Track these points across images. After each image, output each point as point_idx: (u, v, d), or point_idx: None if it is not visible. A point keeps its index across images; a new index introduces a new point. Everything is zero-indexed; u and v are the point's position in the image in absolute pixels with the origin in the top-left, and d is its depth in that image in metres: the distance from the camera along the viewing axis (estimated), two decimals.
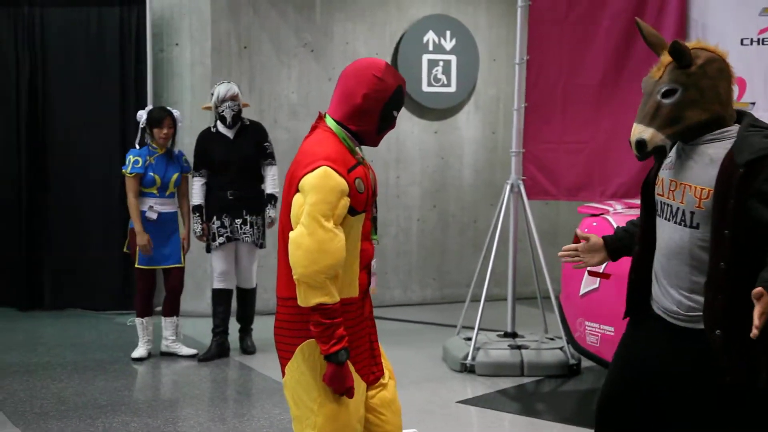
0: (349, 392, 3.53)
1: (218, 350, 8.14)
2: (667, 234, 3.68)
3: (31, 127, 10.10)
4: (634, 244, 3.96)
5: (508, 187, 8.06)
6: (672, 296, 3.66)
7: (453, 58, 10.86)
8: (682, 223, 3.61)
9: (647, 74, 3.73)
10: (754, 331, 3.15)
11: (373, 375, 3.78)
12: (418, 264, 10.95)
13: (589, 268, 6.54)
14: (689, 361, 3.56)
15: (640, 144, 3.60)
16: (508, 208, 8.04)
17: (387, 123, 3.69)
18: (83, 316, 9.91)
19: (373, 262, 3.76)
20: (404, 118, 10.61)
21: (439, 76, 10.82)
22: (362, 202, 3.57)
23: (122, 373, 7.68)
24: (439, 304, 10.79)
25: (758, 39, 7.37)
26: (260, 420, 6.43)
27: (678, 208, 3.63)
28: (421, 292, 10.97)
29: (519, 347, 7.91)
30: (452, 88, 10.90)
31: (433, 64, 10.77)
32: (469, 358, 7.77)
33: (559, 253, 4.12)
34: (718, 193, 3.49)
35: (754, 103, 7.27)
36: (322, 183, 3.42)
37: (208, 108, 8.21)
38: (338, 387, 3.49)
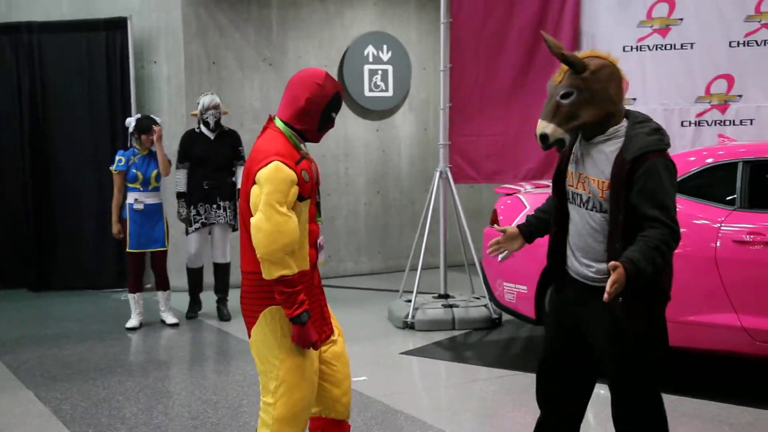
0: (315, 346, 3.60)
1: (196, 307, 8.49)
2: (580, 218, 3.76)
3: (33, 135, 10.02)
4: (543, 227, 4.04)
5: (437, 174, 8.15)
6: (586, 265, 3.74)
7: (390, 68, 10.89)
8: (594, 209, 3.70)
9: (551, 78, 3.78)
10: (606, 297, 3.33)
11: (325, 334, 3.82)
12: (365, 240, 11.01)
13: (495, 225, 6.67)
14: (600, 309, 3.62)
15: (543, 137, 3.66)
16: (438, 192, 8.13)
17: (326, 123, 3.72)
18: (85, 295, 9.84)
19: (320, 239, 3.78)
20: (350, 118, 10.69)
21: (379, 83, 10.85)
22: (308, 190, 3.61)
23: (118, 341, 7.69)
24: (384, 273, 10.83)
25: (637, 46, 7.53)
26: (236, 375, 6.47)
27: (587, 198, 3.72)
28: (368, 263, 11.02)
29: (450, 306, 8.01)
30: (390, 93, 10.93)
31: (373, 73, 10.80)
32: (410, 316, 7.86)
33: (488, 251, 4.11)
34: (613, 185, 3.58)
35: (635, 99, 7.43)
36: (275, 175, 3.47)
37: (195, 114, 8.28)
38: (304, 343, 3.55)
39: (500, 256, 4.12)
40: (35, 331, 8.16)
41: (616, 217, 3.60)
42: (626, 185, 3.55)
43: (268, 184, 3.47)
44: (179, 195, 8.13)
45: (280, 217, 3.45)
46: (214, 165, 8.14)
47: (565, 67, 3.67)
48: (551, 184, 3.99)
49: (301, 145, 3.71)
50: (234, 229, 8.24)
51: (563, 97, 3.64)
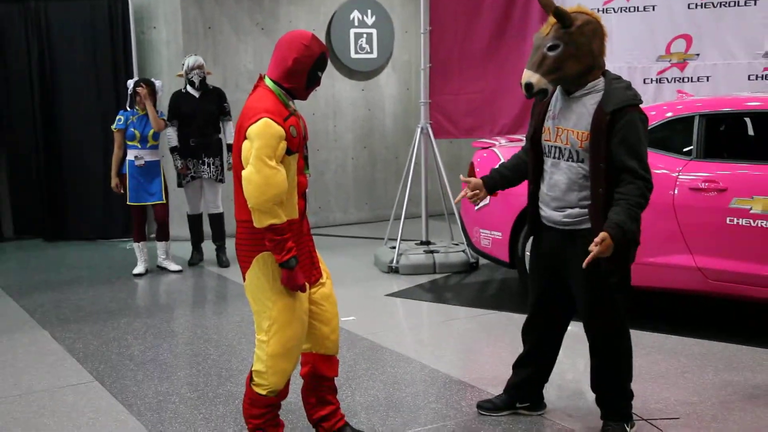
0: (302, 288, 3.61)
1: (198, 256, 8.51)
2: (557, 169, 3.80)
3: (43, 97, 9.94)
4: (505, 181, 4.13)
5: (419, 130, 8.13)
6: (561, 212, 3.81)
7: (374, 31, 10.79)
8: (570, 159, 3.74)
9: (538, 31, 3.79)
10: (584, 265, 3.51)
11: (314, 277, 3.83)
12: (353, 192, 11.00)
13: (464, 177, 6.69)
14: (576, 255, 3.73)
15: (528, 86, 3.68)
16: (420, 146, 8.11)
17: (312, 81, 3.69)
18: (95, 244, 9.84)
19: (307, 191, 3.79)
20: (338, 79, 10.64)
21: (364, 45, 10.76)
22: (295, 144, 3.59)
23: (126, 286, 7.70)
24: (370, 223, 10.84)
25: (603, 8, 7.50)
26: (234, 316, 6.50)
27: (565, 149, 3.76)
28: (356, 213, 11.03)
29: (431, 252, 8.02)
30: (374, 55, 10.84)
31: (358, 36, 10.71)
32: (394, 261, 7.87)
33: (455, 200, 4.24)
34: (594, 135, 3.64)
35: None
36: (264, 131, 3.46)
37: (181, 75, 8.25)
38: (293, 285, 3.56)
39: (460, 197, 4.18)
40: (50, 277, 8.16)
41: (596, 165, 3.66)
42: (606, 136, 3.61)
43: (258, 140, 3.46)
44: (172, 150, 8.11)
45: (269, 170, 3.45)
46: (200, 122, 8.12)
47: (552, 20, 3.68)
48: (529, 141, 4.01)
49: (290, 103, 3.68)
50: (221, 182, 8.27)
51: (550, 49, 3.66)
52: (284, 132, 3.51)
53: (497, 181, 4.14)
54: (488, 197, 4.39)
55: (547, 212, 3.90)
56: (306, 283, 3.66)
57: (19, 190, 10.23)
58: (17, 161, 10.17)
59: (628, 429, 3.93)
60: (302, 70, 3.63)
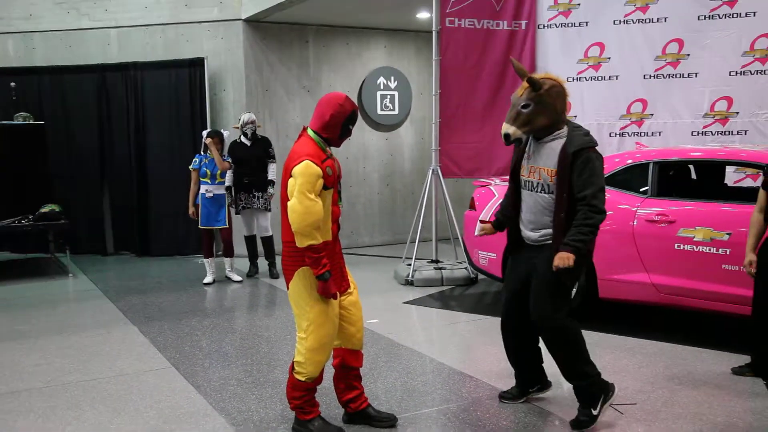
0: (334, 296, 3.62)
1: (254, 269, 8.48)
2: (532, 199, 3.84)
3: (138, 143, 10.01)
4: (506, 221, 4.10)
5: (430, 171, 8.09)
6: (534, 232, 3.86)
7: (396, 93, 10.82)
8: (543, 192, 3.79)
9: (514, 92, 3.87)
10: (554, 267, 3.65)
11: (343, 287, 3.83)
12: (378, 220, 10.97)
13: (480, 218, 6.67)
14: (543, 253, 3.80)
15: (507, 136, 3.78)
16: (431, 184, 8.06)
17: (345, 133, 3.71)
18: (174, 259, 9.87)
19: (340, 219, 3.82)
20: (367, 130, 10.65)
21: (388, 104, 10.79)
22: (331, 181, 3.61)
23: (197, 292, 7.72)
24: (392, 245, 10.78)
25: (577, 77, 7.50)
26: (281, 318, 6.49)
27: (538, 183, 3.80)
28: (380, 237, 11.00)
29: (440, 268, 7.97)
30: (396, 112, 10.86)
31: (383, 97, 10.73)
32: (410, 276, 7.83)
33: (476, 234, 4.24)
34: (559, 171, 3.69)
35: (576, 116, 7.39)
36: (305, 170, 3.49)
37: (237, 128, 8.35)
38: (327, 294, 3.57)
39: (476, 233, 4.23)
40: (139, 284, 8.19)
41: (561, 195, 3.71)
42: (569, 171, 3.66)
43: (301, 177, 3.49)
44: (227, 188, 8.07)
45: (309, 201, 3.48)
46: (252, 164, 8.19)
47: (525, 84, 3.76)
48: (509, 176, 4.06)
49: (327, 149, 3.70)
50: (269, 210, 8.29)
51: (523, 107, 3.74)
52: (321, 171, 3.53)
53: (502, 222, 4.16)
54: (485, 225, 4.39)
55: (525, 233, 3.94)
56: (337, 292, 3.67)
57: (118, 216, 10.29)
58: (117, 194, 10.23)
59: (593, 412, 3.84)
60: (337, 124, 3.65)
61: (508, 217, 4.11)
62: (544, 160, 3.77)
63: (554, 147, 3.75)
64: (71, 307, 7.12)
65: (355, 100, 10.54)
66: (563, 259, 3.63)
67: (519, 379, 4.28)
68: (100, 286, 8.07)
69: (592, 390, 3.86)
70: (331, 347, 3.76)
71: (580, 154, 3.65)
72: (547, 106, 3.72)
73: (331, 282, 3.60)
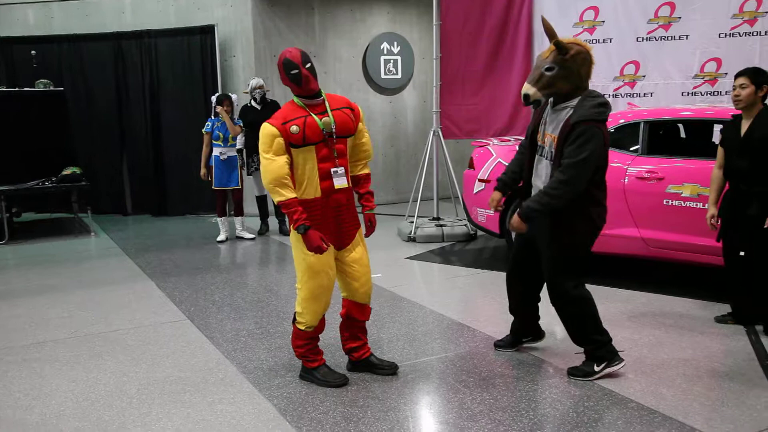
0: (317, 250, 3.54)
1: (265, 228, 8.43)
2: (541, 164, 3.73)
3: (153, 108, 9.99)
4: (510, 183, 4.00)
5: (432, 133, 8.05)
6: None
7: (399, 58, 10.69)
8: (547, 158, 3.67)
9: (539, 53, 3.70)
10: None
11: (344, 242, 3.74)
12: (382, 180, 10.91)
13: (479, 177, 6.61)
14: (542, 227, 3.71)
15: (526, 96, 3.60)
16: (433, 145, 8.03)
17: (296, 79, 3.54)
18: (190, 219, 9.91)
19: (333, 170, 3.61)
20: (371, 94, 10.58)
21: (391, 68, 10.66)
22: (299, 139, 3.50)
23: (211, 249, 7.73)
24: (396, 203, 10.78)
25: None
26: (291, 273, 6.44)
27: (546, 149, 3.69)
28: (384, 196, 10.95)
29: (441, 225, 7.97)
30: (399, 76, 10.73)
31: (387, 61, 10.60)
32: (413, 233, 7.83)
33: (492, 209, 4.08)
34: (558, 140, 3.57)
35: None
36: (262, 131, 3.54)
37: (246, 93, 8.23)
38: (308, 247, 3.54)
39: (492, 209, 4.09)
40: (156, 242, 8.23)
41: (557, 165, 3.58)
42: (565, 141, 3.53)
43: (260, 138, 3.54)
44: (238, 151, 8.02)
45: (265, 160, 3.51)
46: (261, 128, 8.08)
47: (553, 47, 3.56)
48: (528, 139, 3.88)
49: (306, 108, 3.58)
50: None
51: (547, 69, 3.56)
52: (278, 131, 3.49)
53: (506, 183, 4.01)
54: (483, 184, 4.31)
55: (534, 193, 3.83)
56: (322, 246, 3.53)
57: (135, 178, 10.31)
58: (134, 157, 10.23)
59: (595, 368, 3.79)
60: (286, 77, 3.58)
61: (512, 177, 3.98)
62: (554, 127, 3.64)
63: (563, 116, 3.59)
64: (94, 264, 7.16)
65: (359, 64, 10.44)
66: (514, 223, 3.64)
67: (514, 327, 4.28)
68: (120, 244, 8.11)
69: (600, 353, 3.80)
70: (326, 298, 3.71)
71: (578, 126, 3.48)
72: (571, 72, 3.52)
73: (313, 235, 3.51)
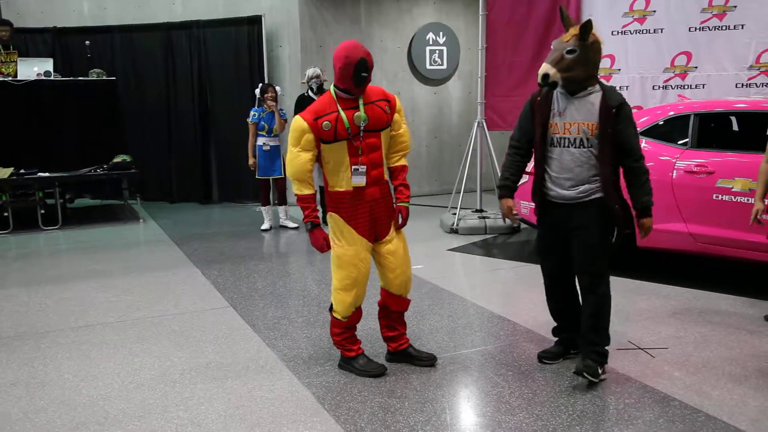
0: (318, 249, 3.65)
1: None
2: (569, 156, 3.58)
3: (200, 97, 10.16)
4: (514, 186, 3.86)
5: (476, 124, 7.99)
6: (572, 189, 3.60)
7: (444, 48, 10.64)
8: (581, 146, 3.56)
9: (558, 38, 3.62)
10: (642, 234, 3.63)
11: (381, 235, 3.72)
12: (426, 171, 10.92)
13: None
14: (587, 210, 3.61)
15: (545, 76, 3.50)
16: (477, 136, 7.98)
17: (359, 81, 3.48)
18: (235, 207, 10.04)
19: (354, 168, 3.56)
20: (416, 84, 10.56)
21: (436, 59, 10.63)
22: (331, 136, 3.49)
23: (255, 238, 7.81)
24: (438, 195, 10.76)
25: (622, 30, 7.22)
26: None
27: (576, 138, 3.58)
28: (428, 187, 10.97)
29: (484, 217, 7.93)
30: (444, 66, 10.70)
31: (432, 52, 10.57)
32: (455, 224, 7.80)
33: (514, 221, 4.00)
34: (602, 124, 3.50)
35: (620, 70, 7.18)
36: (292, 125, 3.55)
37: (304, 83, 8.14)
38: (311, 242, 3.65)
39: (513, 222, 4.03)
40: (201, 230, 8.35)
41: (604, 149, 3.52)
42: (612, 124, 3.50)
43: (290, 132, 3.55)
44: None
45: (290, 154, 3.53)
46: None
47: (573, 31, 3.52)
48: (538, 136, 3.69)
49: (338, 103, 3.53)
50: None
51: (568, 52, 3.50)
52: (308, 126, 3.48)
53: (512, 189, 3.88)
54: (527, 176, 4.18)
55: (559, 192, 3.65)
56: (323, 246, 3.63)
57: (182, 166, 10.49)
58: (181, 146, 10.41)
59: (599, 371, 3.64)
60: (346, 75, 3.49)
61: (514, 181, 3.83)
62: (584, 114, 3.54)
63: (593, 101, 3.54)
64: (141, 250, 7.32)
65: (405, 55, 10.40)
66: (646, 223, 3.62)
67: (563, 340, 4.04)
68: (167, 231, 8.26)
69: (605, 348, 3.70)
70: (356, 290, 3.68)
71: (623, 108, 3.51)
72: (588, 58, 3.52)
73: (317, 234, 3.60)
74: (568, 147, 3.61)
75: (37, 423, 3.35)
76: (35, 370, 4.01)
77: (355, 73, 3.47)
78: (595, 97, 3.57)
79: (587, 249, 3.64)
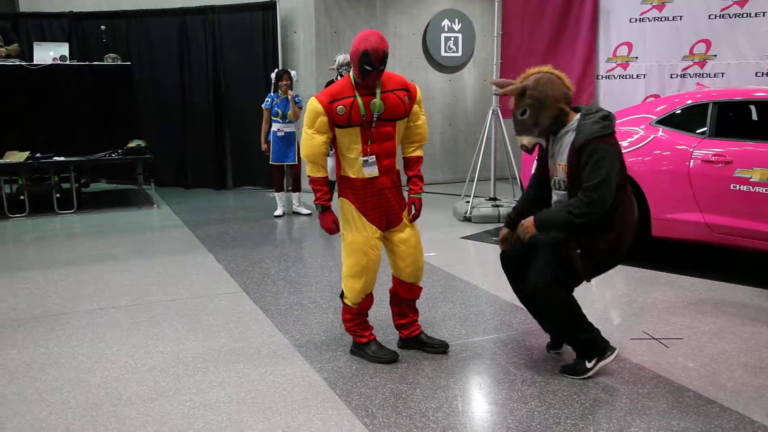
0: (328, 231, 3.67)
1: None
2: (556, 198, 3.52)
3: (215, 82, 10.17)
4: (518, 217, 3.70)
5: (490, 112, 7.95)
6: None
7: (459, 35, 10.57)
8: (559, 189, 3.49)
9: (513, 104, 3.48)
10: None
11: (392, 224, 3.69)
12: (440, 159, 10.89)
13: (537, 157, 6.46)
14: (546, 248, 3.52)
15: (524, 147, 3.45)
16: (491, 125, 7.94)
17: (363, 73, 3.44)
18: (248, 192, 10.06)
19: (363, 159, 3.55)
20: (431, 71, 10.50)
21: (451, 46, 10.56)
22: (344, 120, 3.46)
23: (268, 224, 7.81)
24: (452, 183, 10.74)
25: (640, 18, 7.13)
26: None
27: (557, 180, 3.50)
28: (442, 175, 10.93)
29: (497, 206, 7.89)
30: (459, 53, 10.63)
31: (447, 39, 10.51)
32: (468, 212, 7.77)
33: (502, 248, 3.83)
34: (569, 167, 3.37)
35: (637, 58, 7.09)
36: (308, 106, 3.54)
37: (332, 69, 7.97)
38: (322, 225, 3.66)
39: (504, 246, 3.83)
40: (215, 215, 8.37)
41: (572, 192, 3.37)
42: (576, 165, 3.31)
43: (306, 111, 3.54)
44: None
45: (305, 135, 3.54)
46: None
47: (516, 96, 3.42)
48: (538, 175, 3.67)
49: (356, 89, 3.50)
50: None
51: (521, 114, 3.40)
52: (323, 109, 3.46)
53: (515, 221, 3.72)
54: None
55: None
56: (333, 229, 3.65)
57: (196, 152, 10.52)
58: (195, 132, 10.44)
59: (587, 364, 3.56)
60: (354, 64, 3.47)
61: (520, 213, 3.71)
62: (560, 155, 3.42)
63: (567, 141, 3.37)
64: (155, 235, 7.35)
65: (419, 42, 10.33)
66: (526, 225, 3.39)
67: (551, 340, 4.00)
68: (181, 216, 8.29)
69: (587, 349, 3.58)
70: (365, 277, 3.66)
71: (586, 147, 3.25)
72: (542, 102, 3.33)
73: (327, 217, 3.62)
74: (557, 190, 3.53)
75: (51, 403, 3.38)
76: (50, 351, 4.04)
77: (359, 64, 3.45)
78: (570, 135, 3.38)
79: (541, 261, 3.52)
